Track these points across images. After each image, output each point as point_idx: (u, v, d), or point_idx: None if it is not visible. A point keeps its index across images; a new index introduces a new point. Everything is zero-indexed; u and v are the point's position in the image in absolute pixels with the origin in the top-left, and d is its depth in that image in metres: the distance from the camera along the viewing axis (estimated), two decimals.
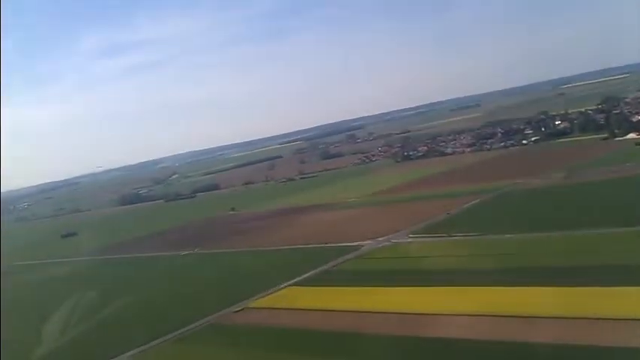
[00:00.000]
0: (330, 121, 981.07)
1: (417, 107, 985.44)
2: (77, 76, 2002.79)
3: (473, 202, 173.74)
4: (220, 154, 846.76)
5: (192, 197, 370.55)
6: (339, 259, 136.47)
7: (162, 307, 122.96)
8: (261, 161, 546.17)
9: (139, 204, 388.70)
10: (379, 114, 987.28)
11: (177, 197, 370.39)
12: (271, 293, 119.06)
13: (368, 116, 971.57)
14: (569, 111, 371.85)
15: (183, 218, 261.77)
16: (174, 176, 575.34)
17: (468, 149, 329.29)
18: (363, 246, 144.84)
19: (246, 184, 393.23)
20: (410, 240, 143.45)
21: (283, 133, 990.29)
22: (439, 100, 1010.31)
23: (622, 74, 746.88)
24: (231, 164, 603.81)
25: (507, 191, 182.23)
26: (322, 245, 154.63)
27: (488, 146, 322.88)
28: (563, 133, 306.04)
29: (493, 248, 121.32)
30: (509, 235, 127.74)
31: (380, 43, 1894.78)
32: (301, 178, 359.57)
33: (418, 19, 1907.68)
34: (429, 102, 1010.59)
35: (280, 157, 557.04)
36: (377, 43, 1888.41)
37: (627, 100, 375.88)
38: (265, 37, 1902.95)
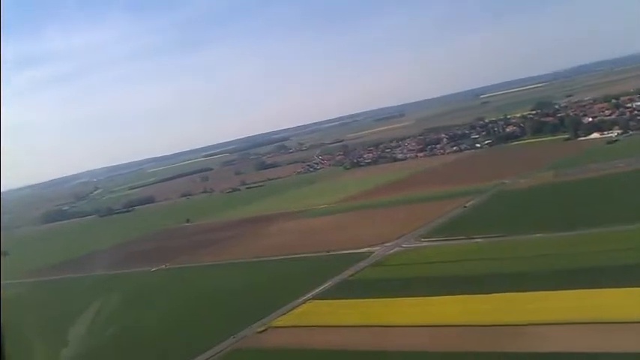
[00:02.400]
0: (251, 134, 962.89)
1: (339, 119, 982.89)
2: None
3: (469, 203, 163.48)
4: (139, 169, 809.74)
5: (130, 211, 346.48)
6: (353, 267, 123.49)
7: (169, 331, 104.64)
8: (190, 173, 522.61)
9: (68, 220, 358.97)
10: (300, 126, 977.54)
11: (112, 212, 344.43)
12: (292, 309, 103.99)
13: (289, 128, 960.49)
14: (508, 116, 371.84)
15: (132, 232, 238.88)
16: (96, 191, 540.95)
17: (421, 154, 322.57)
18: (372, 252, 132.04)
19: (184, 196, 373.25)
20: (425, 244, 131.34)
21: (203, 146, 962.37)
22: (359, 111, 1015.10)
23: (538, 83, 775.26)
24: (156, 178, 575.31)
25: (500, 191, 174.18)
26: (325, 253, 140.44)
27: (441, 150, 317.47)
28: (514, 137, 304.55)
29: (531, 250, 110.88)
30: (538, 235, 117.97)
31: (296, 56, 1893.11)
32: (247, 187, 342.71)
33: (335, 31, 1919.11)
34: (348, 114, 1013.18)
35: (210, 169, 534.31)
36: (293, 56, 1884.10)
37: (563, 104, 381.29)
38: (179, 48, 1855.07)
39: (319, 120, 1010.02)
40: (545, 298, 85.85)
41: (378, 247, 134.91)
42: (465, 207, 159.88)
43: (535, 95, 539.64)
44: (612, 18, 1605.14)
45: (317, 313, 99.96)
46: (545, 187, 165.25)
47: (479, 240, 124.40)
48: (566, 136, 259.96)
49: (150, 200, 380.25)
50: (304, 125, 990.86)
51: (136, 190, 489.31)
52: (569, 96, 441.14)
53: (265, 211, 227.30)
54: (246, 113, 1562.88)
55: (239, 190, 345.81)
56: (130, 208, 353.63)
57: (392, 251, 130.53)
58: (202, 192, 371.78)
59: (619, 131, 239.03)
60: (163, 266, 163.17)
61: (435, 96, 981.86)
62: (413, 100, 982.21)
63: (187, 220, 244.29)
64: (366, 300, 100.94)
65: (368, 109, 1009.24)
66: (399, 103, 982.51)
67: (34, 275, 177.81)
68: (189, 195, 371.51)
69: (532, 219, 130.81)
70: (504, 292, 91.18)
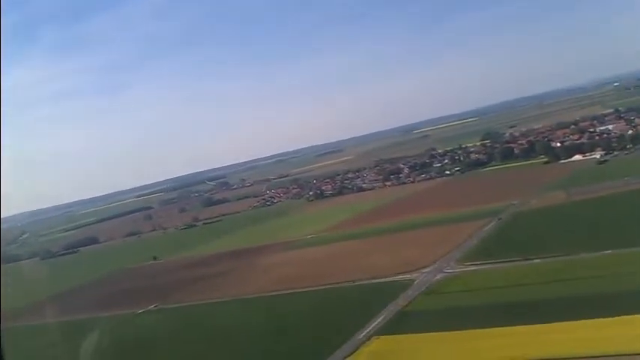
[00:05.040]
0: (183, 173, 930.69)
1: (273, 156, 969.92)
2: None
3: (490, 225, 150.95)
4: (68, 212, 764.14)
5: (75, 252, 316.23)
6: (400, 297, 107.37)
7: None
8: (128, 213, 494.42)
9: (6, 265, 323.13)
10: (234, 164, 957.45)
11: (54, 254, 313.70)
12: (359, 347, 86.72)
13: (223, 167, 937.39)
14: (463, 145, 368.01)
15: (93, 273, 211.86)
16: (24, 235, 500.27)
17: (388, 183, 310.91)
18: (413, 280, 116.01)
19: (132, 235, 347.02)
20: (474, 268, 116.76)
21: (131, 187, 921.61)
22: (293, 149, 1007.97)
23: (468, 118, 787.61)
24: (91, 219, 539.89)
25: (517, 212, 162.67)
26: (350, 284, 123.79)
27: (409, 179, 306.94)
28: (482, 163, 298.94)
29: (606, 269, 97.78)
30: (607, 252, 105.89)
31: (225, 95, 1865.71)
32: (204, 223, 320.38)
33: (264, 70, 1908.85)
34: (282, 151, 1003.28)
35: (151, 207, 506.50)
36: (222, 95, 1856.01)
37: (516, 133, 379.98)
38: (103, 89, 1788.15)
39: (253, 158, 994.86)
40: None
41: (416, 274, 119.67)
42: (500, 219, 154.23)
43: (473, 128, 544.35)
44: (535, 56, 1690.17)
45: (397, 351, 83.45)
46: (566, 206, 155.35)
47: (537, 261, 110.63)
48: (545, 159, 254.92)
49: (93, 241, 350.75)
50: (238, 163, 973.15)
51: (71, 232, 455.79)
52: (513, 127, 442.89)
53: (244, 244, 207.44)
54: (176, 153, 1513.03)
55: (195, 226, 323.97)
56: (75, 250, 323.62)
57: (437, 277, 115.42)
58: (152, 230, 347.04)
59: (602, 152, 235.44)
60: (152, 307, 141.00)
61: (366, 132, 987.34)
62: (347, 137, 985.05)
63: (154, 258, 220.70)
64: (448, 333, 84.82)
65: (302, 147, 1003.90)
66: (333, 140, 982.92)
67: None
68: (138, 234, 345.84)
69: (578, 237, 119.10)
70: (609, 316, 77.65)
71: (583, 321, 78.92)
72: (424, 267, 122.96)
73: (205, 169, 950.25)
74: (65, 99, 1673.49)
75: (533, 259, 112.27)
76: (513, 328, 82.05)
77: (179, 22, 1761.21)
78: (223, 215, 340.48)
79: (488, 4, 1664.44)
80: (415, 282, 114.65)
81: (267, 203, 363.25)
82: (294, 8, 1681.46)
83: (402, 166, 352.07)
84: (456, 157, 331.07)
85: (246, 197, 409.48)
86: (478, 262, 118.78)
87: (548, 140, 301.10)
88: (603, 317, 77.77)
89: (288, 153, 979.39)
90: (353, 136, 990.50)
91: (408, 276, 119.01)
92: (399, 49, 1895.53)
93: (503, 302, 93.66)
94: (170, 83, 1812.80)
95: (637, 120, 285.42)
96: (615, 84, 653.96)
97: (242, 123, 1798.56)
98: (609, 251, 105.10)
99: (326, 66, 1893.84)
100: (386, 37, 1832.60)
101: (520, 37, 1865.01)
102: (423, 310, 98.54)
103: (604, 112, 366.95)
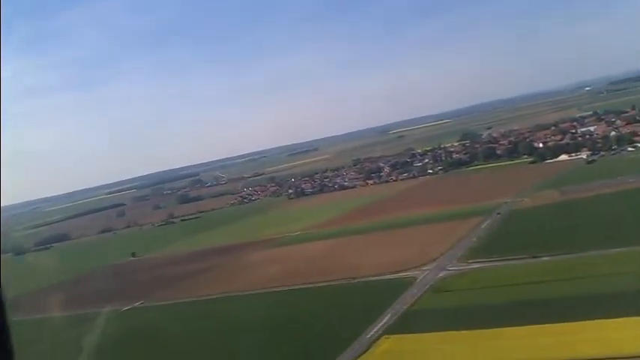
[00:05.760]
0: (153, 171, 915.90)
1: (245, 155, 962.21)
2: None
3: (486, 222, 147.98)
4: (35, 208, 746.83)
5: (48, 248, 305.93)
6: (404, 295, 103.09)
7: None
8: (99, 210, 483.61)
9: None
10: (206, 162, 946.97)
11: (26, 250, 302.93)
12: (369, 347, 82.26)
13: (195, 165, 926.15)
14: (442, 145, 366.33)
15: (72, 269, 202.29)
16: None
17: (370, 181, 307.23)
18: (415, 277, 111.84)
19: (105, 231, 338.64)
20: (479, 266, 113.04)
21: (99, 184, 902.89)
22: (265, 148, 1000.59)
23: (442, 120, 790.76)
24: (60, 216, 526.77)
25: (512, 210, 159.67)
26: (349, 281, 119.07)
27: (392, 177, 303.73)
28: (464, 162, 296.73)
29: (618, 266, 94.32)
30: (614, 250, 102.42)
31: (196, 93, 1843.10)
32: (182, 220, 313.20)
33: (236, 69, 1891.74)
34: (255, 150, 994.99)
35: (123, 204, 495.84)
36: (192, 93, 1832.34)
37: (493, 134, 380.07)
38: (72, 86, 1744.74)
39: (223, 157, 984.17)
40: None
41: (417, 272, 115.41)
42: (499, 214, 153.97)
43: (447, 130, 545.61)
44: (508, 60, 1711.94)
45: (411, 352, 78.75)
46: (564, 204, 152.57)
47: (545, 259, 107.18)
48: (530, 159, 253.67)
49: (64, 237, 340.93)
50: (208, 162, 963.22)
51: (40, 229, 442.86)
52: (490, 128, 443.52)
53: (228, 240, 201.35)
54: (145, 151, 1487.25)
55: (172, 222, 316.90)
56: (48, 246, 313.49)
57: (441, 275, 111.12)
58: (126, 227, 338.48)
59: (588, 152, 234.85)
60: (137, 304, 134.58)
61: (339, 133, 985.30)
62: (319, 137, 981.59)
63: (133, 255, 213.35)
64: (465, 332, 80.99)
65: (275, 146, 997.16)
66: (307, 140, 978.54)
67: None
68: (112, 230, 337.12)
69: (584, 235, 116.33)
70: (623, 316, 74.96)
71: (599, 321, 75.88)
72: (424, 265, 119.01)
73: (175, 167, 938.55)
74: (34, 95, 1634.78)
75: (540, 256, 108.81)
76: (526, 327, 78.69)
77: (151, 20, 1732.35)
78: (201, 212, 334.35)
79: (464, 6, 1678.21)
80: (418, 280, 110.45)
81: (245, 201, 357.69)
82: (266, 7, 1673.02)
83: (382, 165, 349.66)
84: (438, 157, 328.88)
85: (222, 195, 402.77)
86: (480, 260, 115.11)
87: (531, 141, 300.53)
88: (618, 317, 74.78)
89: (257, 152, 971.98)
90: (325, 136, 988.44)
91: (407, 274, 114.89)
92: (372, 50, 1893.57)
93: (512, 301, 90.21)
94: (142, 81, 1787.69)
95: (618, 122, 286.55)
96: (587, 88, 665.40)
97: (212, 122, 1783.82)
98: (618, 249, 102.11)
99: (297, 65, 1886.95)
100: (356, 37, 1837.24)
101: (492, 41, 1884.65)
102: (434, 309, 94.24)
103: (582, 114, 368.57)
